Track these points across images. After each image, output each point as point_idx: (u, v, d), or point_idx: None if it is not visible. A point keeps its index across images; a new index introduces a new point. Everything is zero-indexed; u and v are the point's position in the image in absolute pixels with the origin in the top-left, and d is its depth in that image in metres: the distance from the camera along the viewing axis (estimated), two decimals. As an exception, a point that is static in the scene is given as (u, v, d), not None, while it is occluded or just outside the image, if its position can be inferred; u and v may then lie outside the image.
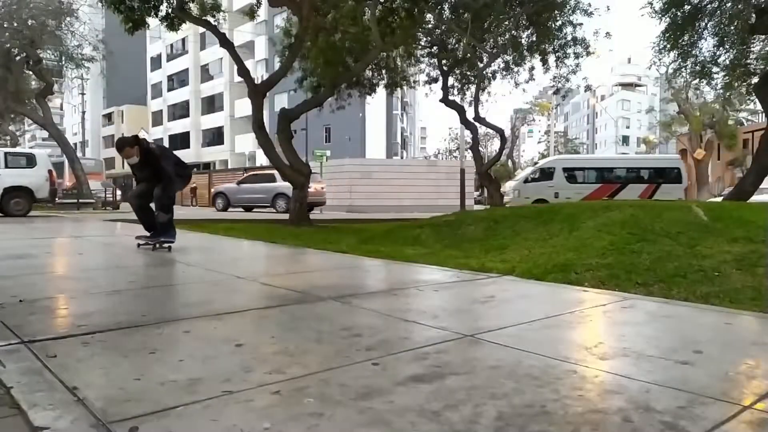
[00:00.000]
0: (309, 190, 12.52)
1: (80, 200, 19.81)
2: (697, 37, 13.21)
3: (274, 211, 20.04)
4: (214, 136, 51.26)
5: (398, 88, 18.15)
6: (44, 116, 21.95)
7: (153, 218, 6.26)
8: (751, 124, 37.75)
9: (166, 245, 6.12)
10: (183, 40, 49.23)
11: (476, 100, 16.25)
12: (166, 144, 56.05)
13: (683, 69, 14.12)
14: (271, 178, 20.01)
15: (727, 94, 19.12)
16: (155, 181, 6.18)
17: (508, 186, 20.84)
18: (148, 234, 6.34)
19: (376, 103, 26.87)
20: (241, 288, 3.93)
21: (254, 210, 21.04)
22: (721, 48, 13.38)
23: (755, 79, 13.31)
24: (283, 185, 17.54)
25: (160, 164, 6.13)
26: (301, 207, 11.56)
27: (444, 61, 16.32)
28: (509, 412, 1.69)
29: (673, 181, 19.61)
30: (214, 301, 3.39)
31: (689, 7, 12.77)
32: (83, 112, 44.93)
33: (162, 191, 6.16)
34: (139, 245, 6.23)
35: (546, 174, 19.87)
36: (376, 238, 8.40)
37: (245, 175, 25.00)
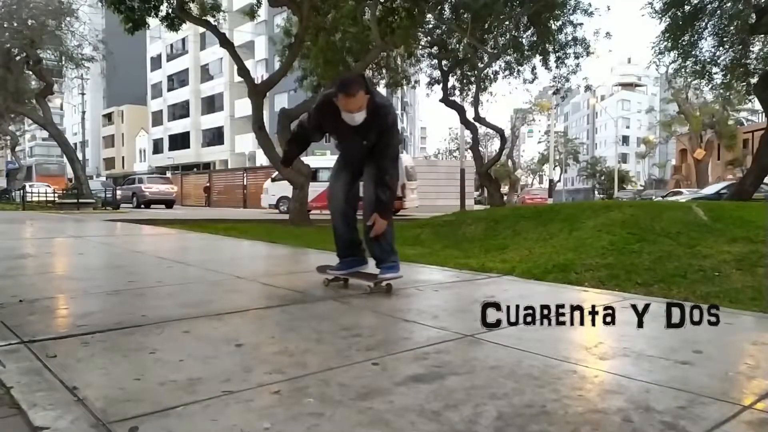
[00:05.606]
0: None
1: (80, 200, 19.87)
2: (697, 37, 13.23)
3: (132, 205, 25.75)
4: (214, 136, 51.24)
5: (398, 88, 18.17)
6: (44, 116, 21.95)
7: (355, 235, 3.81)
8: (751, 124, 37.80)
9: (387, 281, 3.60)
10: (183, 40, 49.24)
11: (476, 100, 16.27)
12: (165, 144, 56.26)
13: (683, 69, 14.14)
14: (138, 181, 28.26)
15: (727, 94, 19.15)
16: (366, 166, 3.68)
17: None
18: (341, 262, 3.81)
19: (376, 103, 26.83)
20: (241, 288, 3.93)
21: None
22: (721, 48, 13.41)
23: (755, 79, 13.32)
24: (134, 186, 27.03)
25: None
26: (302, 207, 11.57)
27: (444, 62, 16.33)
28: (509, 412, 1.69)
29: None
30: (214, 301, 3.39)
31: (689, 7, 12.78)
32: (83, 112, 44.91)
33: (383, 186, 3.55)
34: (327, 282, 3.80)
35: None
36: (376, 238, 8.37)
37: (126, 179, 32.41)
